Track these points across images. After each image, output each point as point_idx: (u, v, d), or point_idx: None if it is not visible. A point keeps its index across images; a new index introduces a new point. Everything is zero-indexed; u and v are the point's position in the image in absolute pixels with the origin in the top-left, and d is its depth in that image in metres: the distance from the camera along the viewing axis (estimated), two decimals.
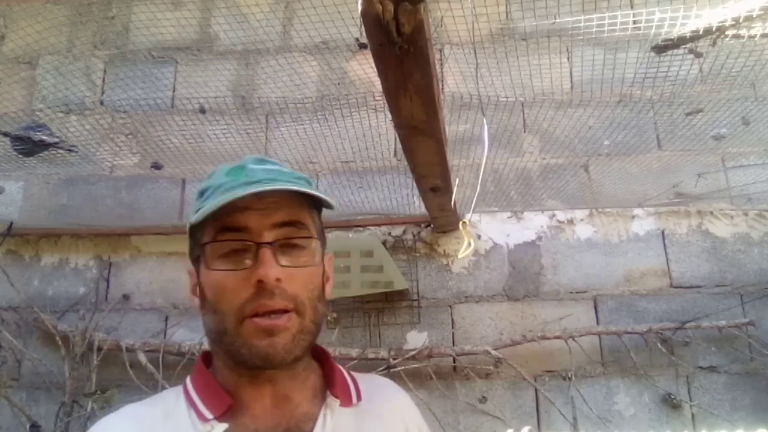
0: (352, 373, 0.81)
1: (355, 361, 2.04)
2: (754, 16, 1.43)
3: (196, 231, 0.71)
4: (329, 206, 0.73)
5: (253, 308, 0.65)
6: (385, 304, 2.19)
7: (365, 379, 0.81)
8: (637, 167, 2.25)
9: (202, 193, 0.71)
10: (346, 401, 0.74)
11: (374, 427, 0.75)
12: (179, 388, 0.74)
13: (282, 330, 0.66)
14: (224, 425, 0.67)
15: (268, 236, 0.67)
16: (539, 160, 2.32)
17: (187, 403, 0.70)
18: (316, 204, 0.74)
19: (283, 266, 0.66)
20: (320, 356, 0.79)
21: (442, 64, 2.34)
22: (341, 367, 0.80)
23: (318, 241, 0.73)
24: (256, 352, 0.65)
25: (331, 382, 0.75)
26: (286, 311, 0.66)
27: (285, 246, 0.68)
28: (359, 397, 0.76)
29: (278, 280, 0.65)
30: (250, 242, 0.66)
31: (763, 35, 1.58)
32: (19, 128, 2.18)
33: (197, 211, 0.67)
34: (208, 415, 0.68)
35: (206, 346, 2.08)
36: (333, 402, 0.72)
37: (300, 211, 0.71)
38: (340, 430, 0.71)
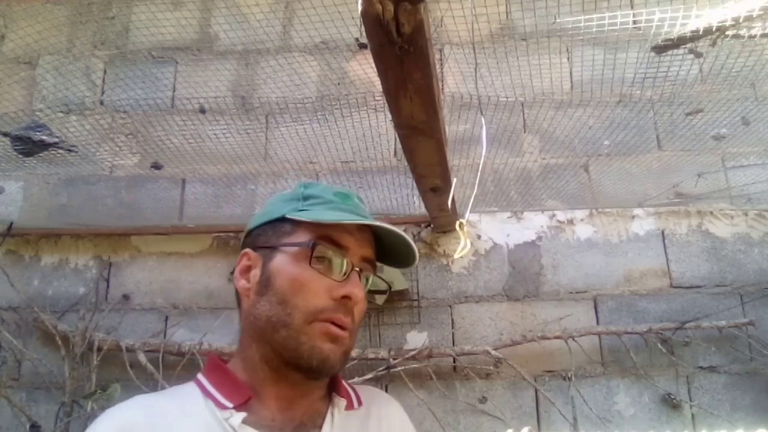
0: (349, 383, 0.86)
1: (355, 361, 2.04)
2: (754, 16, 1.42)
3: (283, 224, 0.76)
4: (408, 263, 0.83)
5: (328, 316, 0.71)
6: (385, 304, 2.19)
7: (361, 389, 0.87)
8: (637, 167, 2.25)
9: (306, 198, 0.77)
10: (350, 405, 0.79)
11: (376, 429, 0.80)
12: (189, 384, 0.76)
13: (343, 343, 0.73)
14: (242, 413, 0.70)
15: (358, 264, 0.75)
16: (539, 160, 2.32)
17: (203, 394, 0.73)
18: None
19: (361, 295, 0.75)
20: None
21: (442, 64, 2.34)
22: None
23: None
24: (319, 353, 0.70)
25: (336, 385, 0.80)
26: (348, 330, 0.73)
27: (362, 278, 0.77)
28: (360, 403, 0.81)
29: (356, 303, 0.74)
30: (349, 261, 0.74)
31: (763, 35, 1.58)
32: (19, 128, 2.18)
33: (301, 210, 0.75)
34: (228, 404, 0.70)
35: (206, 346, 2.09)
36: (340, 402, 0.78)
37: (374, 253, 0.80)
38: (347, 427, 0.76)
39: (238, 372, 0.75)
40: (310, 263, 0.72)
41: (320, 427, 0.74)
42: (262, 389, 0.73)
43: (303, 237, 0.74)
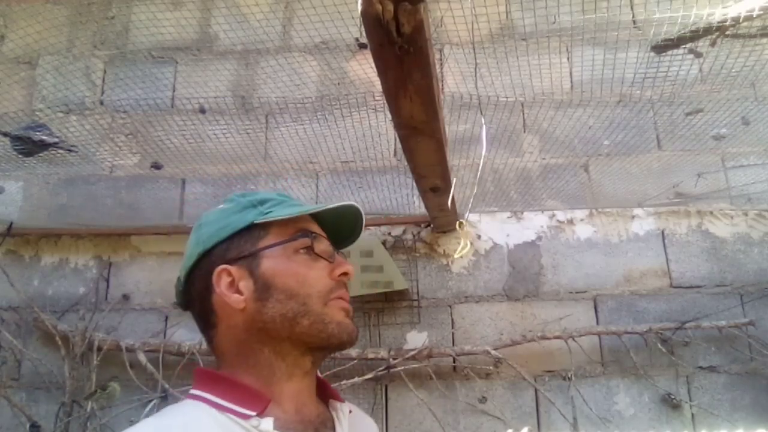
0: None
1: (355, 361, 2.04)
2: (754, 16, 1.42)
3: (251, 231, 0.77)
4: (353, 239, 0.90)
5: (338, 294, 0.77)
6: (385, 304, 2.19)
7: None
8: (637, 167, 2.25)
9: (262, 202, 0.79)
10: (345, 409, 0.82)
11: None
12: (185, 403, 0.72)
13: (351, 313, 0.79)
14: (270, 418, 0.69)
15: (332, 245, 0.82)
16: (539, 160, 2.32)
17: (217, 409, 0.69)
18: None
19: None
20: None
21: (442, 64, 2.34)
22: None
23: None
24: (345, 327, 0.76)
25: (329, 391, 0.83)
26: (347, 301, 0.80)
27: None
28: (351, 409, 0.84)
29: (351, 277, 0.80)
30: (333, 246, 0.82)
31: (763, 35, 1.58)
32: (19, 128, 2.18)
33: (266, 213, 0.77)
34: (250, 412, 0.69)
35: (205, 347, 2.09)
36: (343, 406, 0.81)
37: None
38: (353, 428, 0.80)
39: (246, 380, 0.74)
40: (298, 255, 0.77)
41: (333, 429, 0.77)
42: (277, 390, 0.73)
43: (282, 235, 0.77)
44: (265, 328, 0.74)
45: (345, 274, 0.79)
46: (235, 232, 0.77)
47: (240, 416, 0.68)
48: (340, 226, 0.86)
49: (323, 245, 0.80)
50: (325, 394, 0.83)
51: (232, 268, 0.75)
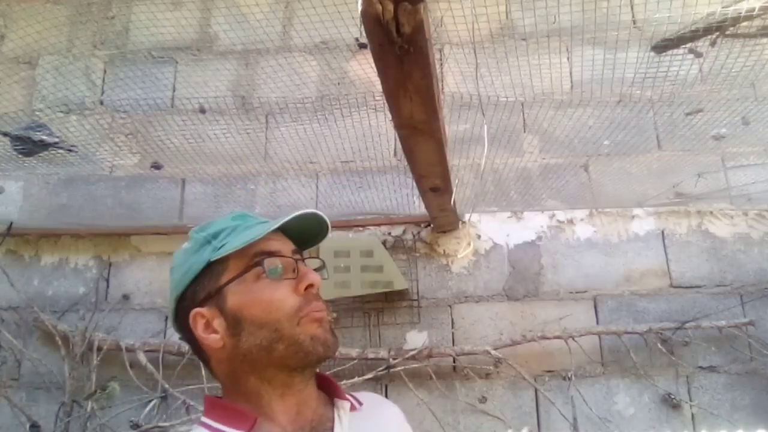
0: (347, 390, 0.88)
1: (355, 361, 2.04)
2: (754, 16, 1.42)
3: (211, 269, 0.77)
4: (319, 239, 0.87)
5: (310, 308, 0.76)
6: (385, 304, 2.19)
7: (359, 393, 0.88)
8: (637, 167, 2.25)
9: (215, 236, 0.78)
10: (352, 406, 0.81)
11: (381, 429, 0.84)
12: (194, 428, 0.78)
13: (326, 321, 0.77)
14: None
15: (295, 256, 0.79)
16: (539, 160, 2.32)
17: None
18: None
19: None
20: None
21: (442, 64, 2.34)
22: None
23: None
24: (320, 340, 0.75)
25: (333, 389, 0.83)
26: (322, 310, 0.78)
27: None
28: (360, 403, 0.83)
29: (319, 286, 0.78)
30: (290, 258, 0.78)
31: (763, 35, 1.58)
32: (19, 128, 2.18)
33: (220, 248, 0.76)
34: (237, 431, 0.74)
35: None
36: (344, 404, 0.80)
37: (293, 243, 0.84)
38: (356, 428, 0.78)
39: (240, 403, 0.77)
40: (259, 283, 0.76)
41: (331, 429, 0.77)
42: (269, 410, 0.76)
43: (241, 265, 0.76)
44: (246, 360, 0.76)
45: (310, 286, 0.77)
46: (198, 273, 0.78)
47: None
48: (307, 227, 0.84)
49: (283, 262, 0.78)
50: (329, 392, 0.83)
51: (204, 310, 0.77)
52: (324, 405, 0.81)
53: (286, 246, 0.80)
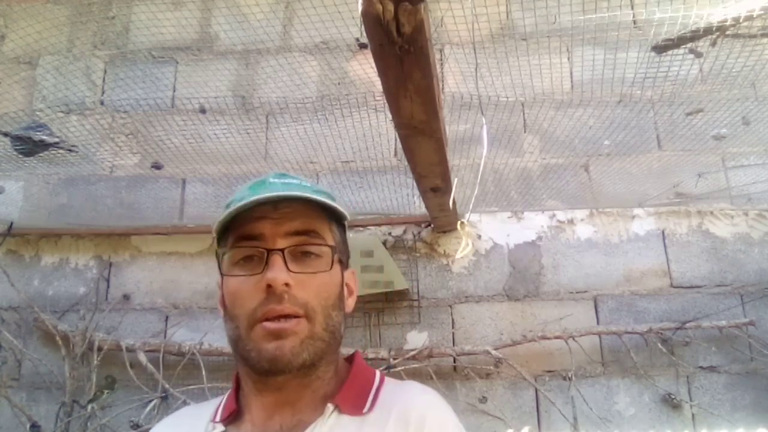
0: (389, 381, 0.77)
1: None
2: (754, 16, 1.42)
3: (220, 243, 0.75)
4: (342, 216, 0.76)
5: (263, 312, 0.67)
6: (385, 304, 2.19)
7: (398, 387, 0.77)
8: (637, 167, 2.25)
9: (227, 207, 0.73)
10: (353, 410, 0.71)
11: None
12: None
13: (290, 334, 0.67)
14: (222, 427, 0.73)
15: (281, 243, 0.69)
16: (539, 160, 2.32)
17: (216, 407, 0.77)
18: (336, 217, 0.76)
19: (293, 272, 0.68)
20: (351, 365, 0.79)
21: (442, 64, 2.34)
22: (375, 375, 0.77)
23: (332, 250, 0.73)
24: (264, 355, 0.66)
25: (338, 391, 0.73)
26: (296, 316, 0.67)
27: (299, 254, 0.71)
28: (371, 408, 0.71)
29: (287, 285, 0.67)
30: (262, 249, 0.69)
31: (764, 35, 1.58)
32: (19, 128, 2.18)
33: (221, 220, 0.72)
34: (218, 417, 0.74)
35: (206, 346, 2.09)
36: (329, 409, 0.70)
37: (315, 221, 0.72)
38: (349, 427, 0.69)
39: (242, 381, 0.76)
40: (232, 270, 0.71)
41: None
42: (249, 401, 0.74)
43: (226, 247, 0.73)
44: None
45: (269, 285, 0.66)
46: (218, 236, 0.76)
47: (212, 419, 0.75)
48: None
49: (254, 252, 0.69)
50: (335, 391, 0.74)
51: (220, 280, 0.75)
52: (318, 407, 0.71)
53: (280, 228, 0.70)
